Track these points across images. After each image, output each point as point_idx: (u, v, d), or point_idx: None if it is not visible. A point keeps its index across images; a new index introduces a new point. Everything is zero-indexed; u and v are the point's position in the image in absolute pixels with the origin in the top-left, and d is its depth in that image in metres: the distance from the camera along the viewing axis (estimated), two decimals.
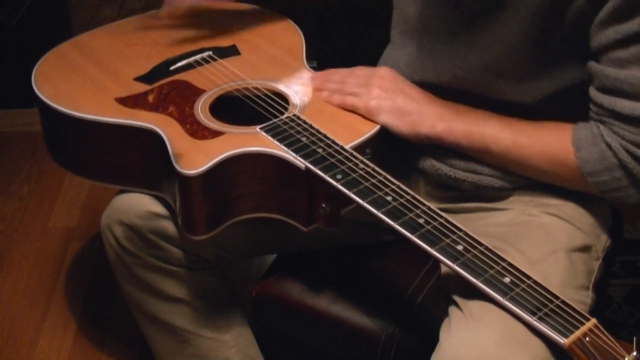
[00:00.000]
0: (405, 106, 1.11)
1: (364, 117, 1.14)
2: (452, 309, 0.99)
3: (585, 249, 1.08)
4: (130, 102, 1.19)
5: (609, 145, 0.98)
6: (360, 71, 1.18)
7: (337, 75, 1.19)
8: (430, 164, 1.16)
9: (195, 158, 1.05)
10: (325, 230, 1.08)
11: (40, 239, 1.94)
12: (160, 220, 1.18)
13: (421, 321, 1.19)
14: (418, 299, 1.21)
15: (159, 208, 1.18)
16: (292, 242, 1.26)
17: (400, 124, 1.11)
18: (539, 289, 0.88)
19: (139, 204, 1.18)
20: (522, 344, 0.88)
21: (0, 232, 1.97)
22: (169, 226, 1.19)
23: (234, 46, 1.34)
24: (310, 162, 1.03)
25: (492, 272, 0.89)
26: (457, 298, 0.99)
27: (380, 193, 0.99)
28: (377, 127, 1.13)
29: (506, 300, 0.87)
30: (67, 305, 1.77)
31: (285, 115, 1.14)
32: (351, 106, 1.14)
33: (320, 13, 2.14)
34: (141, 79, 1.25)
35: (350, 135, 1.11)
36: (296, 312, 1.24)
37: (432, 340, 1.03)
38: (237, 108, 1.22)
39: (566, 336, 0.83)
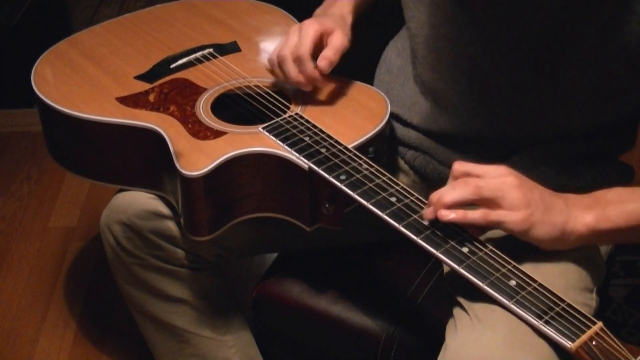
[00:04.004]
0: (551, 205, 0.95)
1: (366, 119, 1.13)
2: (456, 310, 0.99)
3: (589, 250, 1.07)
4: (131, 101, 1.18)
5: None
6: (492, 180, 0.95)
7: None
8: (432, 167, 1.15)
9: (198, 159, 1.04)
10: (328, 230, 1.07)
11: (40, 239, 1.94)
12: (159, 219, 1.17)
13: (422, 321, 1.19)
14: (418, 299, 1.21)
15: (158, 207, 1.17)
16: (293, 241, 1.26)
17: (551, 230, 0.94)
18: (545, 292, 0.88)
19: (138, 204, 1.18)
20: (528, 345, 0.87)
21: (0, 232, 1.96)
22: (168, 226, 1.18)
23: (234, 42, 1.34)
24: (314, 163, 1.02)
25: (497, 274, 0.89)
26: (461, 299, 0.98)
27: (384, 194, 0.98)
28: (381, 125, 1.12)
29: (512, 303, 0.87)
30: (67, 305, 1.76)
31: (287, 114, 1.14)
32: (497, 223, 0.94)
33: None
34: (142, 77, 1.24)
35: (353, 134, 1.10)
36: (296, 312, 1.24)
37: (432, 341, 1.03)
38: (239, 105, 1.21)
39: (573, 340, 0.83)
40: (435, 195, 0.94)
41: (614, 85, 1.03)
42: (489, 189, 0.92)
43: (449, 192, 0.93)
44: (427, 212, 0.94)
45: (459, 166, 0.96)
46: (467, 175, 0.95)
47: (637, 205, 0.95)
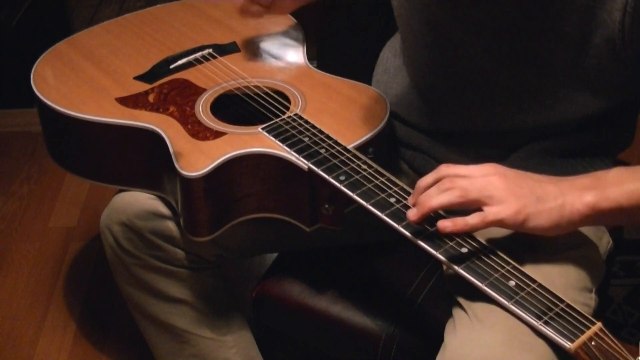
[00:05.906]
0: (544, 194, 0.94)
1: (365, 119, 1.13)
2: (456, 310, 0.99)
3: (588, 250, 1.07)
4: (131, 102, 1.18)
5: None
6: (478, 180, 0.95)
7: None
8: (431, 167, 1.15)
9: (197, 159, 1.04)
10: (328, 230, 1.07)
11: (40, 239, 1.94)
12: (160, 220, 1.17)
13: (421, 321, 1.19)
14: (418, 299, 1.21)
15: (158, 208, 1.17)
16: (293, 241, 1.26)
17: (549, 218, 0.93)
18: (544, 292, 0.87)
19: (139, 204, 1.18)
20: (528, 345, 0.87)
21: (0, 232, 1.96)
22: (168, 226, 1.18)
23: (233, 43, 1.34)
24: (313, 163, 1.02)
25: (497, 275, 0.89)
26: (460, 299, 0.98)
27: (383, 195, 0.98)
28: (380, 125, 1.12)
29: (511, 304, 0.86)
30: (67, 305, 1.76)
31: (286, 115, 1.14)
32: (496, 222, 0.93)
33: (320, 9, 2.14)
34: (141, 78, 1.24)
35: (352, 134, 1.10)
36: (296, 312, 1.24)
37: (432, 341, 1.03)
38: (238, 106, 1.21)
39: (572, 340, 0.82)
40: (423, 197, 0.93)
41: (603, 75, 1.03)
42: (476, 189, 0.92)
43: (436, 197, 0.92)
44: (411, 215, 0.92)
45: (446, 169, 0.96)
46: (454, 176, 0.95)
47: (638, 185, 0.94)
